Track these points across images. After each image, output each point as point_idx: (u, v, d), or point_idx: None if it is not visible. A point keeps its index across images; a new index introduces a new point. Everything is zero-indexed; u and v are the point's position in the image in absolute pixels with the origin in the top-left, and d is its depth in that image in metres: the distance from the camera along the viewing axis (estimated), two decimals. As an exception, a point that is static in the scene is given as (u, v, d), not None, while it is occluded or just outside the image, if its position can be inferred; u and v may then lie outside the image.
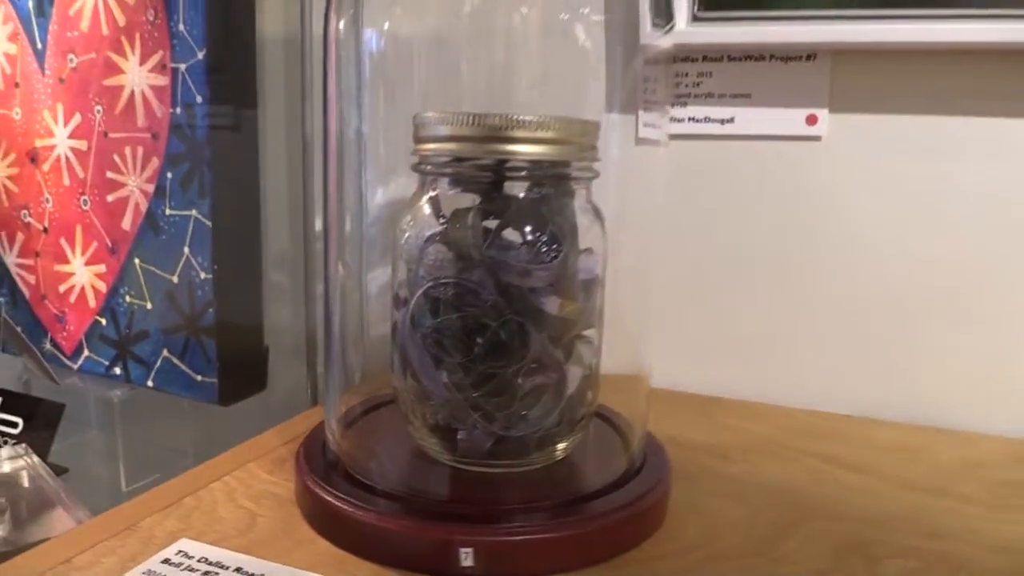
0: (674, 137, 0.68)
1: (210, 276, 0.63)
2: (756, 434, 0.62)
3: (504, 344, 0.44)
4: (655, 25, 0.49)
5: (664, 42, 0.50)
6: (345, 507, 0.43)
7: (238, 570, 0.41)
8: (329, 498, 0.44)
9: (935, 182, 0.62)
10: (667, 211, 0.69)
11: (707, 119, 0.67)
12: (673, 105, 0.67)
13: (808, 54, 0.64)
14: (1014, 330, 0.62)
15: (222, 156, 0.62)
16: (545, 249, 0.45)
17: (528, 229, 0.45)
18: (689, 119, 0.67)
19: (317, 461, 0.48)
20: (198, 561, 0.42)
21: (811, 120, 0.65)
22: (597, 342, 0.49)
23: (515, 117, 0.45)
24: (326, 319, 0.48)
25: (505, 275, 0.44)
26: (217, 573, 0.41)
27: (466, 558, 0.40)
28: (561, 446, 0.49)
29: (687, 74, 0.67)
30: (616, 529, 0.43)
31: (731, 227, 0.68)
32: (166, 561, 0.42)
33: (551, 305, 0.44)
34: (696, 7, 0.63)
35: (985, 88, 0.60)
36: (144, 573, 0.41)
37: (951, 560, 0.44)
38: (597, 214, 0.48)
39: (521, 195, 0.46)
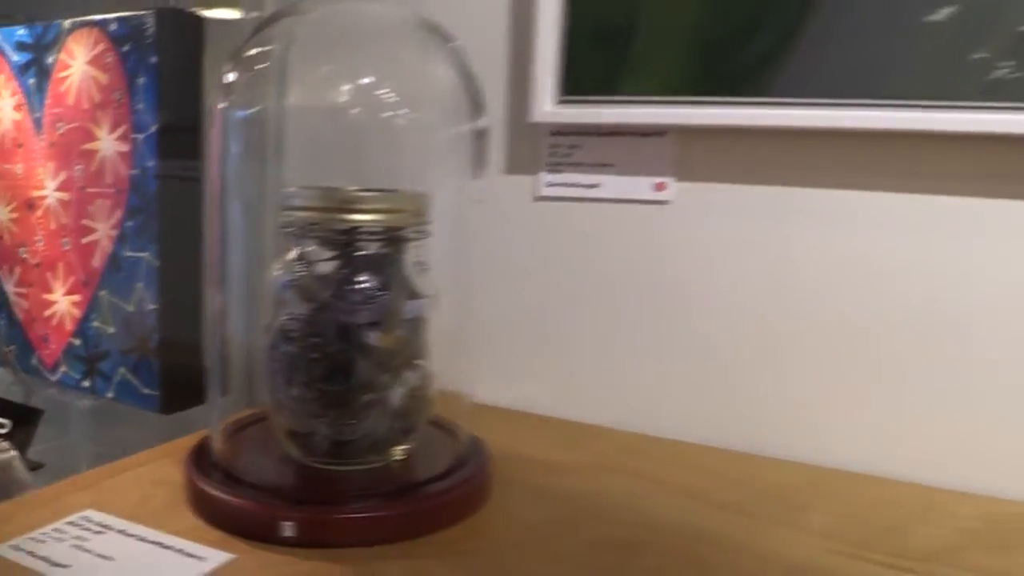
0: (549, 199, 0.80)
1: (156, 307, 0.77)
2: (600, 454, 0.73)
3: (337, 368, 0.57)
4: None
5: (480, 124, 0.63)
6: (206, 488, 0.56)
7: (121, 531, 0.54)
8: (197, 482, 0.57)
9: (765, 242, 0.73)
10: (542, 261, 0.81)
11: (576, 184, 0.79)
12: (549, 171, 0.80)
13: (658, 131, 0.76)
14: (824, 371, 0.72)
15: (168, 209, 0.77)
16: (374, 293, 0.58)
17: (363, 278, 0.58)
18: (562, 184, 0.79)
19: (201, 458, 0.61)
20: (94, 523, 0.55)
21: (660, 187, 0.76)
22: (427, 368, 0.61)
23: (358, 193, 0.58)
24: (209, 346, 0.61)
25: (339, 314, 0.57)
26: (104, 532, 0.54)
27: (286, 529, 0.53)
28: (398, 449, 0.61)
29: (560, 145, 0.79)
30: (410, 516, 0.55)
31: (596, 276, 0.80)
32: (70, 523, 0.55)
33: (373, 338, 0.57)
34: (561, 92, 0.76)
35: (811, 163, 0.72)
36: (53, 529, 0.54)
37: (696, 560, 0.54)
38: (424, 267, 0.60)
39: (363, 252, 0.59)
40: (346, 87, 0.63)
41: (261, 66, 0.61)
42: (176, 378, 0.79)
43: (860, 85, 0.67)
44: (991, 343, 0.67)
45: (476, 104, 0.62)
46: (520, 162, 0.81)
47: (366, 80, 0.62)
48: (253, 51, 0.63)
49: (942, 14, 0.64)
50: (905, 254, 0.69)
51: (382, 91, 0.62)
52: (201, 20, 0.81)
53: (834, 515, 0.62)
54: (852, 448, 0.71)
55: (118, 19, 0.80)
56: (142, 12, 0.78)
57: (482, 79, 0.75)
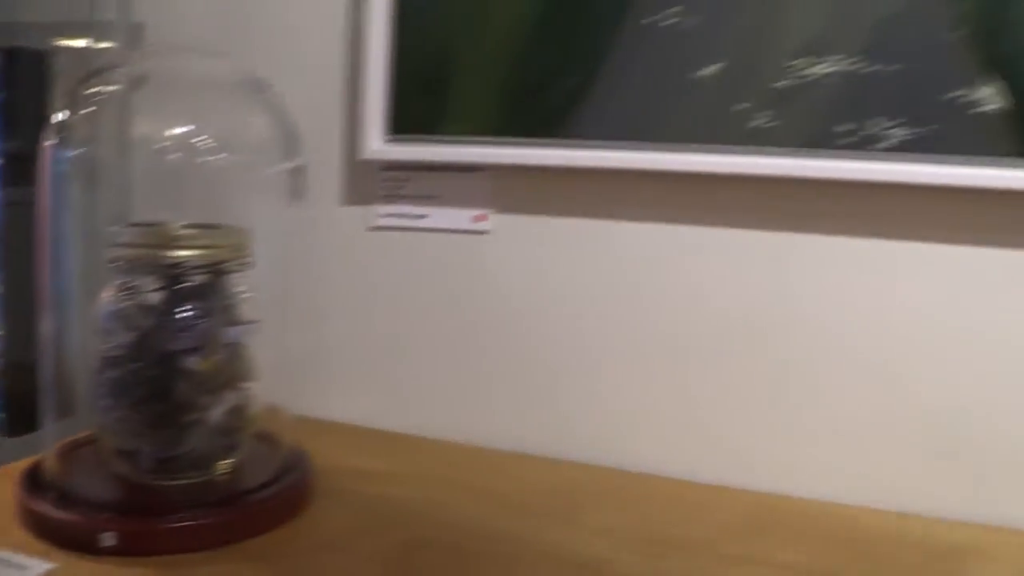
0: (383, 228, 0.87)
1: (2, 333, 0.81)
2: (423, 464, 0.79)
3: (159, 391, 0.62)
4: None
5: (296, 163, 0.70)
6: (33, 505, 0.60)
7: (-49, 548, 0.58)
8: (25, 499, 0.61)
9: (574, 268, 0.82)
10: (377, 285, 0.88)
11: (407, 215, 0.86)
12: (382, 203, 0.87)
13: (475, 168, 0.83)
14: (621, 382, 0.81)
15: (15, 238, 0.80)
16: (193, 321, 0.63)
17: (184, 307, 0.64)
18: (394, 215, 0.86)
19: (34, 477, 0.65)
20: (-76, 541, 0.59)
21: (480, 218, 0.84)
22: (249, 388, 0.67)
23: (180, 230, 0.64)
24: (43, 371, 0.66)
25: (160, 341, 0.62)
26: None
27: (107, 540, 0.58)
28: (222, 463, 0.66)
29: (392, 179, 0.86)
30: (226, 524, 0.61)
31: (427, 298, 0.87)
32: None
33: (193, 363, 0.63)
34: (388, 132, 0.83)
35: (609, 197, 0.80)
36: None
37: (487, 556, 0.62)
38: (242, 296, 0.66)
39: (185, 284, 0.64)
40: (178, 131, 0.68)
41: (89, 109, 0.66)
42: (22, 401, 0.82)
43: (645, 130, 0.76)
44: (745, 356, 0.77)
45: (291, 146, 0.69)
46: (357, 194, 0.88)
47: (196, 125, 0.68)
48: (85, 92, 0.68)
49: (710, 71, 0.74)
50: (686, 278, 0.78)
51: (213, 135, 0.68)
52: (48, 57, 0.85)
53: (614, 512, 0.70)
54: (636, 450, 0.80)
55: (-35, 57, 0.83)
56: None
57: (321, 120, 0.83)
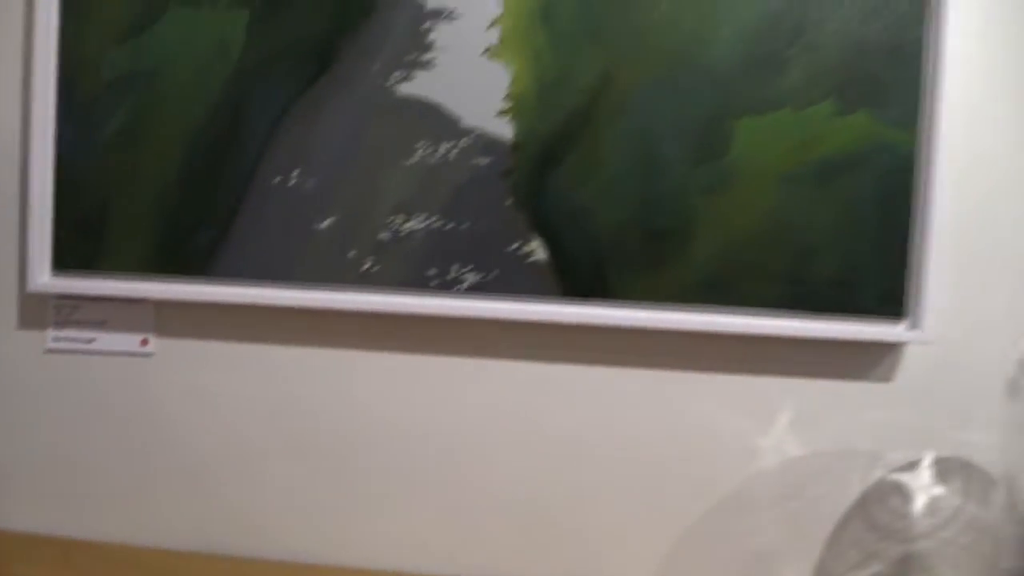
0: (56, 351, 0.96)
1: None
2: (88, 569, 0.89)
3: None
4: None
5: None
6: None
7: None
8: None
9: (226, 383, 0.94)
10: (56, 402, 0.97)
11: (78, 339, 0.96)
12: (55, 328, 0.96)
13: (137, 299, 0.94)
14: (259, 483, 0.94)
15: None
16: None
17: None
18: (66, 339, 0.96)
19: None
20: None
21: (144, 342, 0.95)
22: None
23: None
24: None
25: None
26: None
27: None
28: None
29: (64, 307, 0.96)
30: None
31: (98, 412, 0.96)
32: None
33: None
34: (54, 267, 0.93)
35: (251, 325, 0.93)
36: None
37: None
38: None
39: None
40: None
41: None
42: None
43: (278, 271, 0.90)
44: (349, 456, 0.93)
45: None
46: (31, 321, 0.97)
47: None
48: None
49: (326, 223, 0.89)
50: (312, 391, 0.93)
51: None
52: None
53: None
54: (275, 539, 0.93)
55: None
56: None
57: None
